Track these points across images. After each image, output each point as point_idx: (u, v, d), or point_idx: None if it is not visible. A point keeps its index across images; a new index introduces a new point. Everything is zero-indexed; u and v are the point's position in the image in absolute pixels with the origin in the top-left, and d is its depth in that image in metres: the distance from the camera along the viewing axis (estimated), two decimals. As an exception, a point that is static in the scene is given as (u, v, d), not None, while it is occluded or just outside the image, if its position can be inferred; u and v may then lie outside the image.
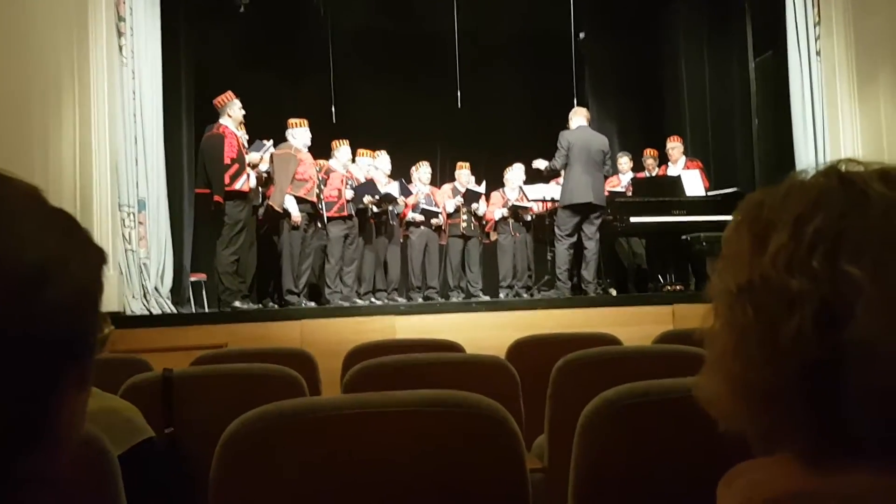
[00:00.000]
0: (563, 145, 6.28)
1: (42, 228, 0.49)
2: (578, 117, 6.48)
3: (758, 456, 0.55)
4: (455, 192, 7.75)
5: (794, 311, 0.49)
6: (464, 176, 7.81)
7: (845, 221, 0.49)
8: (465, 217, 7.63)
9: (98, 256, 0.54)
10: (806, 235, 0.50)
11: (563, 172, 6.41)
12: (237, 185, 5.76)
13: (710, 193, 6.86)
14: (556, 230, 6.46)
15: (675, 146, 7.44)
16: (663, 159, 7.62)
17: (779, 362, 0.49)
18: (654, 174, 7.59)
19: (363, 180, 6.83)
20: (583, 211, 6.30)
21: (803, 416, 0.50)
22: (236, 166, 5.76)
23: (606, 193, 6.95)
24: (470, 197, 7.58)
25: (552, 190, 7.22)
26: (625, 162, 7.79)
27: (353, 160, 7.07)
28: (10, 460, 0.48)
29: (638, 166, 7.83)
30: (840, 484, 0.48)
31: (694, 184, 6.80)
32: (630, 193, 7.04)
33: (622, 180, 7.65)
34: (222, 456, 1.06)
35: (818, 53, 6.52)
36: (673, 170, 7.30)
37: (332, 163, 6.75)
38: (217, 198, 5.69)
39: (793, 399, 0.50)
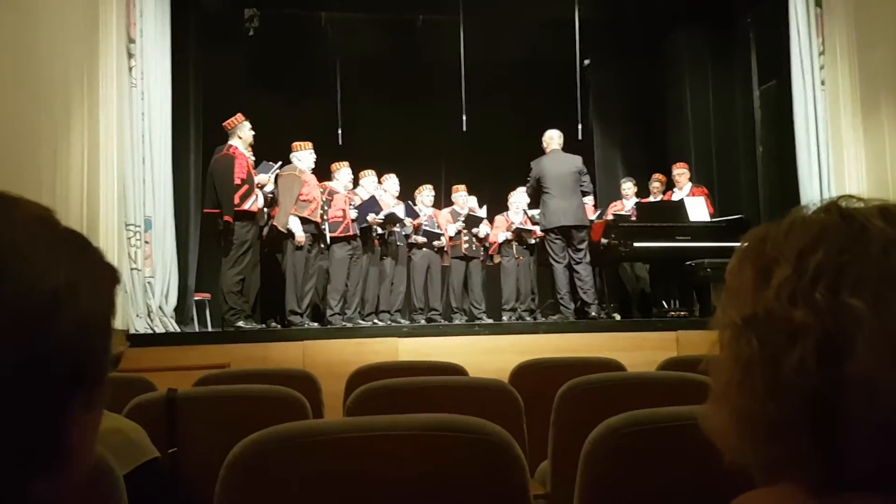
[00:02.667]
0: (533, 176, 6.43)
1: (53, 253, 0.49)
2: (552, 143, 6.57)
3: (761, 487, 0.55)
4: (454, 214, 7.79)
5: (797, 342, 0.49)
6: (461, 198, 7.87)
7: (846, 256, 0.51)
8: (466, 239, 7.66)
9: (111, 277, 0.54)
10: (808, 269, 0.51)
11: (541, 200, 6.50)
12: (246, 206, 5.81)
13: (714, 220, 6.87)
14: (550, 257, 6.52)
15: (681, 172, 7.46)
16: (670, 185, 7.65)
17: (782, 394, 0.50)
18: (659, 199, 7.61)
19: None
20: (564, 234, 6.35)
21: (806, 448, 0.50)
22: (246, 187, 5.82)
23: (610, 216, 6.96)
24: (471, 221, 7.62)
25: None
26: (629, 187, 7.81)
27: (358, 182, 7.12)
28: (23, 482, 0.48)
29: (643, 191, 7.85)
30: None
31: (698, 209, 6.81)
32: (635, 218, 7.06)
33: (626, 205, 7.67)
34: (226, 478, 1.06)
35: (822, 83, 6.57)
36: (678, 196, 7.32)
37: (333, 184, 6.79)
38: (227, 217, 5.73)
39: (796, 431, 0.50)
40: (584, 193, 6.58)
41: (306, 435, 1.10)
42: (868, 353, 0.47)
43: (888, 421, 0.47)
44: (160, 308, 6.10)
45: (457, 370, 2.70)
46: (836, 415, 0.49)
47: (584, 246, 6.42)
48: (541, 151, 6.72)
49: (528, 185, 6.57)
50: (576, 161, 6.53)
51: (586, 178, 6.55)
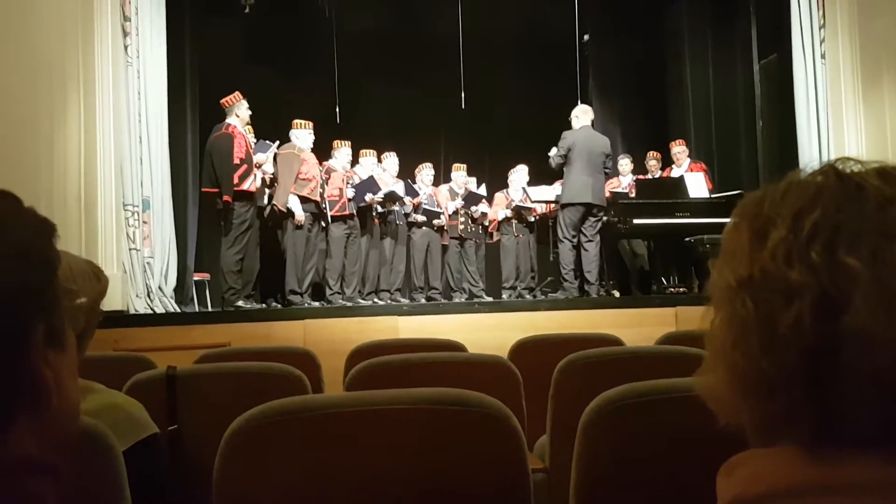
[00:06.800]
0: (564, 145, 6.32)
1: None
2: (584, 116, 6.50)
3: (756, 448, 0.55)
4: (452, 193, 7.76)
5: (793, 301, 0.50)
6: (460, 177, 7.84)
7: (843, 215, 0.51)
8: (462, 219, 7.64)
9: (42, 224, 0.56)
10: (804, 228, 0.51)
11: (564, 171, 6.45)
12: (245, 186, 5.80)
13: (713, 195, 6.86)
14: (560, 231, 6.47)
15: (680, 149, 7.44)
16: (667, 161, 7.62)
17: (778, 353, 0.50)
18: (657, 176, 7.59)
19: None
20: (583, 211, 6.32)
21: (802, 407, 0.51)
22: (245, 166, 5.80)
23: (608, 195, 6.95)
24: (470, 200, 7.59)
25: (555, 191, 7.24)
26: (626, 164, 7.79)
27: (357, 161, 7.10)
28: (3, 422, 0.49)
29: (640, 168, 7.83)
30: (838, 476, 0.49)
31: (697, 185, 6.80)
32: (633, 194, 7.04)
33: (623, 182, 7.65)
34: (226, 452, 1.07)
35: (823, 56, 6.52)
36: (677, 172, 7.30)
37: (332, 163, 6.76)
38: (226, 197, 5.72)
39: (792, 390, 0.51)
40: (606, 175, 6.57)
41: (305, 409, 1.11)
42: (864, 309, 0.47)
43: (883, 375, 0.47)
44: (160, 288, 6.11)
45: (456, 347, 2.70)
46: (830, 371, 0.49)
47: (598, 225, 6.41)
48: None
49: (556, 153, 6.41)
50: (606, 141, 6.52)
51: (610, 162, 6.56)
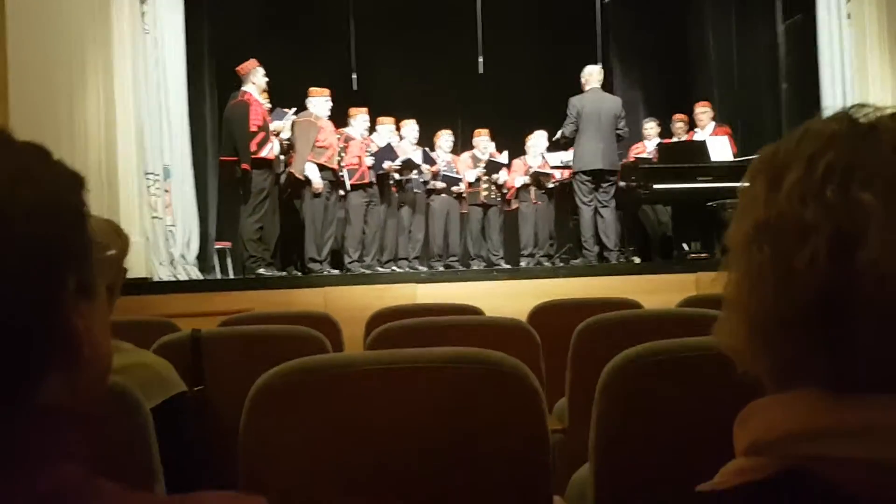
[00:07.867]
0: (573, 112, 6.24)
1: (10, 153, 0.53)
2: (592, 78, 6.39)
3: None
4: (475, 159, 7.71)
5: (808, 240, 0.50)
6: (482, 143, 7.76)
7: (857, 154, 0.51)
8: (485, 186, 7.60)
9: (72, 176, 0.56)
10: (818, 169, 0.51)
11: (574, 139, 6.38)
12: (263, 153, 5.80)
13: (737, 159, 6.75)
14: (577, 199, 6.44)
15: (704, 111, 7.29)
16: (693, 124, 7.50)
17: (794, 294, 0.51)
18: (681, 139, 7.47)
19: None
20: (595, 177, 6.26)
21: (818, 350, 0.51)
22: (262, 134, 5.79)
23: (633, 159, 6.85)
24: (492, 167, 7.54)
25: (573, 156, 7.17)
26: (651, 127, 7.67)
27: (374, 128, 7.07)
28: (38, 373, 0.50)
29: (665, 132, 7.71)
30: (856, 419, 0.49)
31: (721, 149, 6.68)
32: (655, 159, 6.95)
33: (648, 146, 7.55)
34: (252, 407, 1.09)
35: (848, 17, 6.36)
36: (701, 135, 7.16)
37: (349, 131, 6.74)
38: (244, 165, 5.73)
39: (808, 332, 0.51)
40: (619, 138, 6.47)
41: (329, 367, 1.13)
42: (879, 243, 0.48)
43: None
44: (182, 256, 6.19)
45: (474, 311, 2.71)
46: (846, 312, 0.49)
47: (611, 190, 6.35)
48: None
49: (567, 121, 6.34)
50: (617, 103, 6.40)
51: (623, 122, 6.44)
